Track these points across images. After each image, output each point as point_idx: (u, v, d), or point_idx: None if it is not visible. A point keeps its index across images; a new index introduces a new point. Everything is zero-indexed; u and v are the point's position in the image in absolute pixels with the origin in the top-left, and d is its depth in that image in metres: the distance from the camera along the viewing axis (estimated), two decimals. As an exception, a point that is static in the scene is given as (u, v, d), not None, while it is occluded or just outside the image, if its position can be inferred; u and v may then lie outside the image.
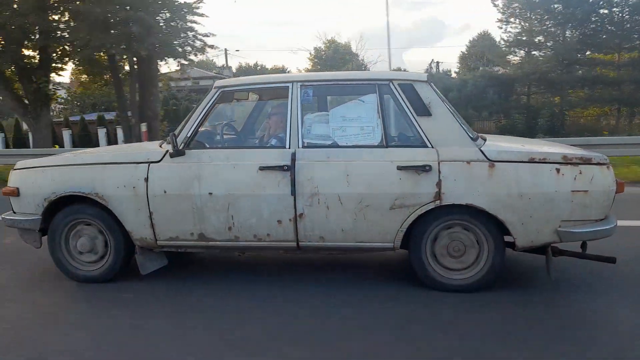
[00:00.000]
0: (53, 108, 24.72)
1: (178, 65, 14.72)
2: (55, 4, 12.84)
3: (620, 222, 3.09)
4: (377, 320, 2.73)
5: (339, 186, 3.02)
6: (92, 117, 23.39)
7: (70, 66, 17.49)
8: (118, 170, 3.25)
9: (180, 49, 13.63)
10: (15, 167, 3.55)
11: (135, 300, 3.12)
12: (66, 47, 13.38)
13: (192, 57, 14.17)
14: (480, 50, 32.30)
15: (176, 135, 3.16)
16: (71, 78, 24.24)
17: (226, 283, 3.38)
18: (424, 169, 2.94)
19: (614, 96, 19.49)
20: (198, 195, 3.15)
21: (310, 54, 39.61)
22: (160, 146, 3.48)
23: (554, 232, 2.89)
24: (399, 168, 2.97)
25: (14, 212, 3.54)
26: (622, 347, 2.37)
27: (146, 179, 3.20)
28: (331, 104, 3.32)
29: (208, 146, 3.30)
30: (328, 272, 3.57)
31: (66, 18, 13.07)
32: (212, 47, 14.37)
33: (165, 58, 14.11)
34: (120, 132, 17.49)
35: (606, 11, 20.40)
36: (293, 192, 3.05)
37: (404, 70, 23.24)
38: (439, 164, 2.95)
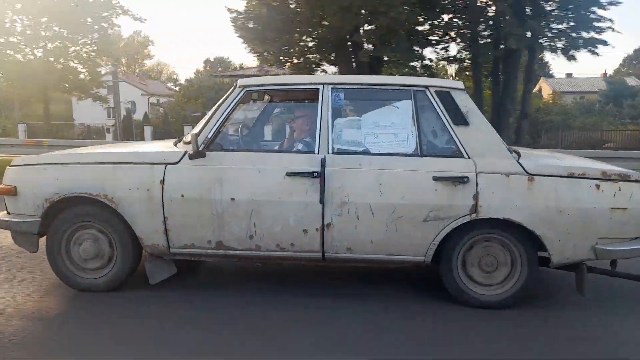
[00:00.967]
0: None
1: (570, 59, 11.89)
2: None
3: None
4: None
5: (371, 195, 2.87)
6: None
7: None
8: (131, 171, 3.00)
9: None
10: (12, 164, 3.23)
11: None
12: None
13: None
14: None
15: (197, 135, 2.95)
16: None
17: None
18: (462, 180, 2.83)
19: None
20: (219, 201, 2.94)
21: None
22: (175, 146, 3.25)
23: (591, 249, 2.83)
24: (435, 179, 2.85)
25: (8, 213, 3.22)
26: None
27: (162, 181, 2.96)
28: (361, 109, 3.16)
29: (228, 148, 3.10)
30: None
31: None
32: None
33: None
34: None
35: None
36: (322, 200, 2.88)
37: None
38: (476, 175, 2.85)
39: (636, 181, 2.83)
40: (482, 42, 12.67)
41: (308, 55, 13.34)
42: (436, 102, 2.96)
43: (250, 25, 12.53)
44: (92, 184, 3.01)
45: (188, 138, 3.17)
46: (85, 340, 2.54)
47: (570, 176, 2.82)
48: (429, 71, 13.94)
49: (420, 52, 13.07)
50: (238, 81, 3.13)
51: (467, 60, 14.22)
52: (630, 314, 2.98)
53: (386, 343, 2.53)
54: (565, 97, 31.58)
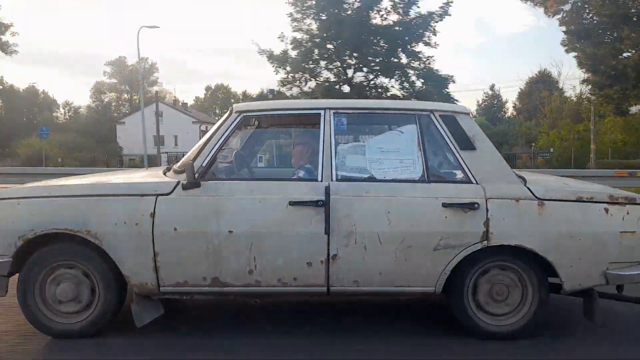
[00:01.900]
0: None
1: None
2: None
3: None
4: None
5: (379, 224, 2.73)
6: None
7: None
8: (118, 204, 2.74)
9: None
10: (-21, 198, 2.89)
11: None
12: None
13: None
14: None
15: (193, 164, 2.73)
16: None
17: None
18: (472, 206, 2.74)
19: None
20: (215, 233, 2.71)
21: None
22: (165, 174, 3.01)
23: (602, 274, 2.78)
24: (444, 205, 2.74)
25: (-27, 253, 2.86)
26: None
27: (152, 214, 2.71)
28: (363, 134, 3.04)
29: (224, 177, 2.90)
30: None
31: None
32: None
33: None
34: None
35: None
36: (327, 231, 2.71)
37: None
38: (486, 201, 2.76)
39: (642, 204, 2.83)
40: None
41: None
42: (441, 127, 2.88)
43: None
44: (72, 219, 2.72)
45: (179, 166, 2.95)
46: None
47: (579, 200, 2.78)
48: None
49: None
50: (234, 106, 2.95)
51: None
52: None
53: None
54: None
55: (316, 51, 19.37)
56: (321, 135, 2.85)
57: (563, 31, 17.56)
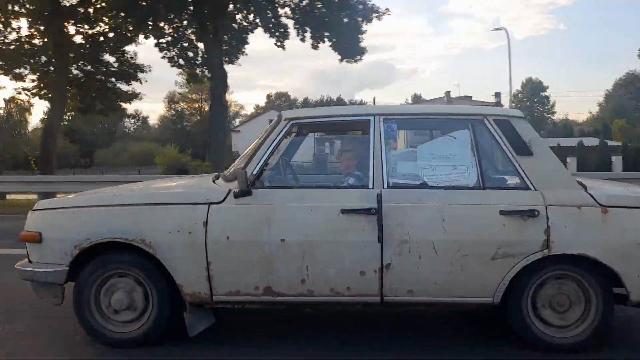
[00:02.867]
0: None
1: None
2: None
3: None
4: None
5: (434, 232, 2.66)
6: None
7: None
8: (171, 212, 2.76)
9: None
10: (36, 207, 2.96)
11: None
12: None
13: None
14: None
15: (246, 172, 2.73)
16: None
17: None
18: (531, 214, 2.64)
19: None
20: (267, 242, 2.70)
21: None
22: (214, 182, 3.02)
23: (671, 284, 2.64)
24: (502, 213, 2.65)
25: (30, 262, 2.93)
26: None
27: (205, 223, 2.72)
28: (412, 140, 2.99)
29: (275, 185, 2.89)
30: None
31: None
32: None
33: None
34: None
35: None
36: (380, 239, 2.66)
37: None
38: (546, 208, 2.66)
39: None
40: None
41: None
42: (496, 132, 2.80)
43: None
44: (127, 228, 2.75)
45: (229, 174, 2.96)
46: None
47: (644, 206, 2.65)
48: None
49: None
50: (283, 113, 2.95)
51: None
52: None
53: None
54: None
55: None
56: (371, 141, 2.81)
57: None
